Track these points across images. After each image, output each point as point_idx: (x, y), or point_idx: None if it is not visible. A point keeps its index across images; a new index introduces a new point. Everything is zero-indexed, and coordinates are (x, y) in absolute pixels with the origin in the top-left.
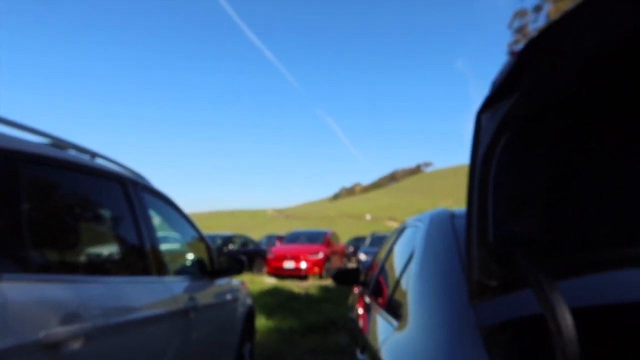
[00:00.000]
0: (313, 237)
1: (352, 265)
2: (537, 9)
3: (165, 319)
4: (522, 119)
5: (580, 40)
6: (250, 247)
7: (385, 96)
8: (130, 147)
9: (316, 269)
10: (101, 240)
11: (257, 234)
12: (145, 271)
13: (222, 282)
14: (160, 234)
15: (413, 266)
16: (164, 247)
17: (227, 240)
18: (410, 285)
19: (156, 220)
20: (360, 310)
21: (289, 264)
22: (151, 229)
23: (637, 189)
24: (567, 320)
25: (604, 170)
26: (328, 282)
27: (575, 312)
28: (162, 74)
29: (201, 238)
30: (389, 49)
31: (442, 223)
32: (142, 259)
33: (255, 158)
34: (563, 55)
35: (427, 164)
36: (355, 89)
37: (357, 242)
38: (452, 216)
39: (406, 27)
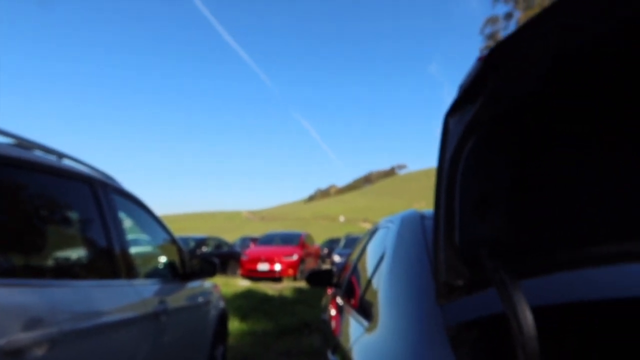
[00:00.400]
0: (287, 239)
1: (326, 267)
2: (508, 16)
3: (135, 322)
4: (488, 122)
5: (542, 46)
6: (224, 249)
7: (360, 99)
8: (104, 149)
9: (290, 271)
10: (68, 243)
11: (232, 236)
12: (114, 274)
13: (194, 285)
14: (130, 236)
15: (383, 267)
16: (134, 249)
17: (201, 242)
18: (380, 286)
19: (127, 222)
20: (333, 312)
21: (263, 266)
22: (121, 231)
23: (601, 190)
24: (527, 318)
25: (568, 171)
26: (302, 284)
27: (537, 311)
28: (135, 75)
29: (173, 240)
30: (364, 52)
31: (413, 224)
32: (111, 262)
33: (231, 160)
34: (527, 60)
35: (401, 167)
36: (331, 92)
37: (332, 243)
38: (422, 217)
39: (381, 31)
